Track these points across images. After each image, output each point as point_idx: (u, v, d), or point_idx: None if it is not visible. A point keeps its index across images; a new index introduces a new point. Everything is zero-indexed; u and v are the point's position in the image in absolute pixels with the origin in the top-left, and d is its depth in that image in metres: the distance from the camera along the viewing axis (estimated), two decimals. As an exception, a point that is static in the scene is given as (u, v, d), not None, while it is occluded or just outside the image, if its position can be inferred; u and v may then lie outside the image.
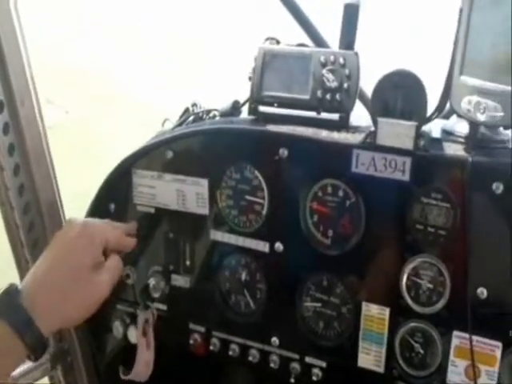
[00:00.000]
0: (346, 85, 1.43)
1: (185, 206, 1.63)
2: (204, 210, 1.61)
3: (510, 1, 1.18)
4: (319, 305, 1.53)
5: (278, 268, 1.55)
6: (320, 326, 1.54)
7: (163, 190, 1.64)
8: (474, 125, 1.29)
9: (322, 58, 1.45)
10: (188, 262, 1.66)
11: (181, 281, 1.67)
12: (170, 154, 1.60)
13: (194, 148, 1.60)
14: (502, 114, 1.19)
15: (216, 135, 1.58)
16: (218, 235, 1.61)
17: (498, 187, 1.26)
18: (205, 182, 1.59)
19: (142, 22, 12.44)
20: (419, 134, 1.31)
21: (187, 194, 1.62)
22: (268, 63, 1.51)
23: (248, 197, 1.56)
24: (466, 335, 1.33)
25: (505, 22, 1.19)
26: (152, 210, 1.67)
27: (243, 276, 1.60)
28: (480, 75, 1.24)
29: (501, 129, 1.32)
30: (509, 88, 1.17)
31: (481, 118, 1.22)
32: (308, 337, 1.56)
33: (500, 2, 1.20)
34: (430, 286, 1.37)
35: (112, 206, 1.70)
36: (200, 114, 1.74)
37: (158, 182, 1.64)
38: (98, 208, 1.70)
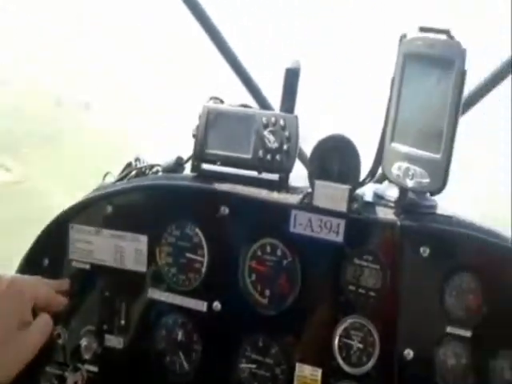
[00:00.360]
0: (285, 146, 1.49)
1: (123, 262, 1.62)
2: (142, 267, 1.60)
3: (437, 73, 1.28)
4: (254, 366, 1.52)
5: (214, 328, 1.54)
6: None
7: (101, 246, 1.63)
8: (403, 190, 1.37)
9: (264, 120, 1.51)
10: (123, 322, 1.63)
11: (114, 341, 1.63)
12: (109, 209, 1.60)
13: (134, 203, 1.61)
14: (428, 180, 1.26)
15: (157, 191, 1.59)
16: (156, 293, 1.60)
17: (425, 251, 1.33)
18: (144, 239, 1.59)
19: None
20: (353, 198, 1.38)
21: (126, 250, 1.61)
22: (212, 122, 1.56)
23: (188, 254, 1.56)
24: None
25: (431, 93, 1.29)
26: (87, 267, 1.64)
27: (179, 336, 1.58)
28: (409, 143, 1.32)
29: (428, 194, 1.40)
30: (435, 156, 1.25)
31: (409, 183, 1.30)
32: None
33: (427, 75, 1.30)
34: (361, 345, 1.41)
35: (46, 261, 1.66)
36: (143, 169, 1.76)
37: (95, 238, 1.63)
38: (31, 263, 1.66)
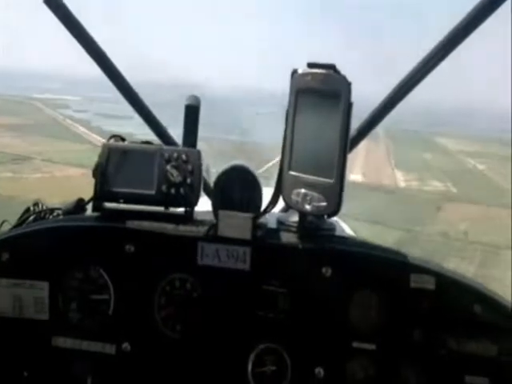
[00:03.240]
0: (189, 180, 1.59)
1: (22, 312, 1.61)
2: (44, 315, 1.61)
3: (327, 106, 1.45)
4: None
5: (125, 370, 1.57)
6: None
7: (-3, 297, 1.61)
8: (302, 215, 1.51)
9: (166, 155, 1.61)
10: (26, 374, 1.61)
11: (16, 397, 1.60)
12: (5, 257, 1.60)
13: (32, 249, 1.62)
14: (324, 204, 1.42)
15: (57, 234, 1.62)
16: (61, 341, 1.60)
17: (327, 271, 1.48)
18: (45, 285, 1.60)
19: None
20: (257, 225, 1.50)
21: (24, 298, 1.61)
22: (113, 160, 1.63)
23: (93, 296, 1.59)
24: None
25: (323, 124, 1.45)
26: None
27: (89, 382, 1.59)
28: (305, 170, 1.48)
29: (326, 217, 1.55)
30: (329, 181, 1.41)
31: (308, 208, 1.45)
32: None
33: (319, 107, 1.47)
34: (274, 368, 1.51)
35: None
36: (42, 214, 1.77)
37: (-10, 289, 1.61)
38: None
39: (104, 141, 1.68)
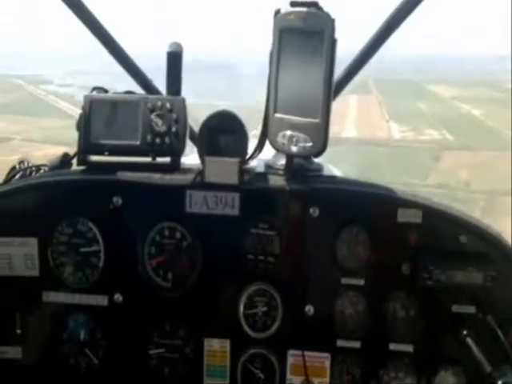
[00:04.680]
0: (174, 128, 1.58)
1: (12, 269, 1.62)
2: (34, 271, 1.62)
3: (311, 45, 1.42)
4: (163, 350, 1.59)
5: (118, 320, 1.60)
6: (165, 371, 1.60)
7: (-14, 256, 1.61)
8: (289, 156, 1.51)
9: (150, 104, 1.59)
10: (19, 331, 1.62)
11: (11, 352, 1.62)
12: None
13: (19, 206, 1.62)
14: (310, 144, 1.41)
15: (43, 189, 1.62)
16: (52, 296, 1.62)
17: (315, 211, 1.49)
18: (34, 242, 1.61)
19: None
20: (244, 170, 1.50)
21: (14, 256, 1.62)
22: (95, 112, 1.61)
23: (83, 250, 1.60)
24: (300, 352, 1.51)
25: (308, 64, 1.43)
26: None
27: (82, 335, 1.62)
28: (291, 112, 1.47)
29: (313, 158, 1.55)
30: (314, 120, 1.40)
31: (294, 149, 1.44)
32: None
33: (303, 47, 1.45)
34: (265, 309, 1.54)
35: None
36: (28, 171, 1.76)
37: (-22, 248, 1.61)
38: None
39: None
